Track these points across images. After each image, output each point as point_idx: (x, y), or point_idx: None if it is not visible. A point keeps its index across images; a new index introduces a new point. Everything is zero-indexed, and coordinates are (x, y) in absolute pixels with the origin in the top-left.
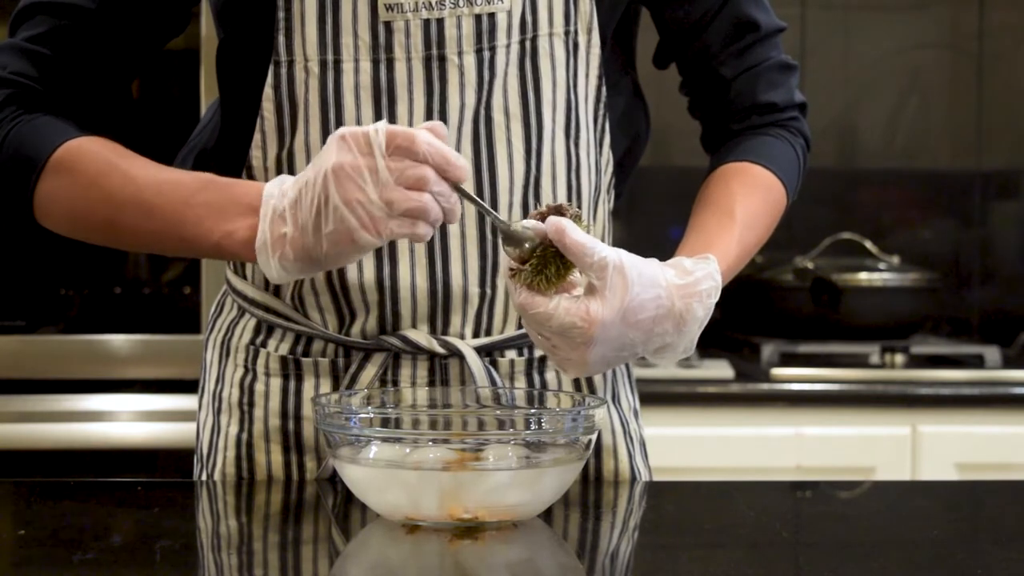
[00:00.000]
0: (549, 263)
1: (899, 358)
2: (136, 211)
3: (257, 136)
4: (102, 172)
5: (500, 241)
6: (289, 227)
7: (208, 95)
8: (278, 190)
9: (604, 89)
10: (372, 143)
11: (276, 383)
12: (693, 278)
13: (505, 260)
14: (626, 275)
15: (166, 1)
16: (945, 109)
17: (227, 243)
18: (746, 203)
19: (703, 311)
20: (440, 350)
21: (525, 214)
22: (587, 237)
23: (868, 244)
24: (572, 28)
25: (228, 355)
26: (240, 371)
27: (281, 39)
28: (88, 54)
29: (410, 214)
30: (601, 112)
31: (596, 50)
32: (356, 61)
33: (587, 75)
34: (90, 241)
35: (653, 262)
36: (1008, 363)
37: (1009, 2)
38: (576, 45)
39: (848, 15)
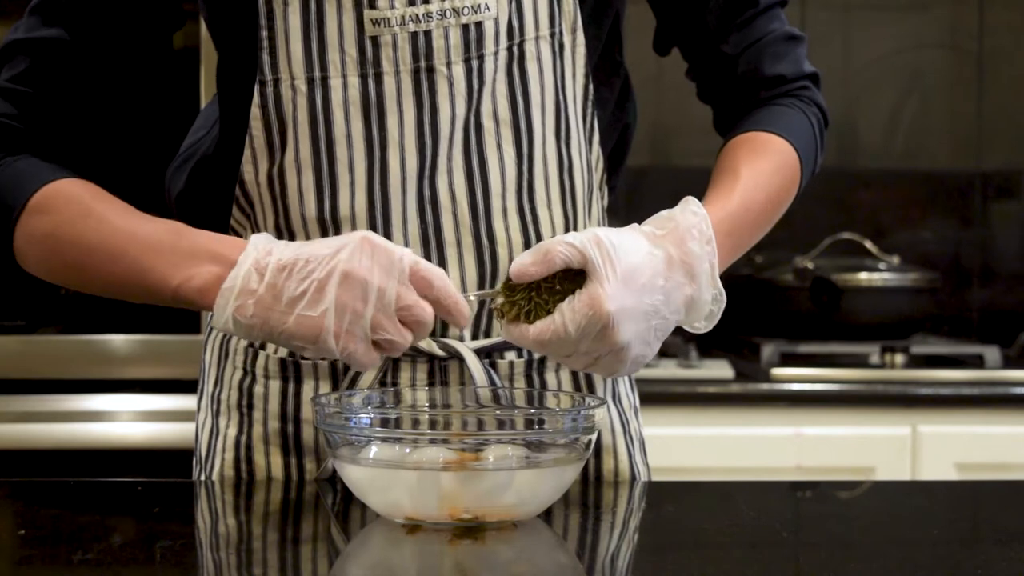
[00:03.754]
0: (529, 299)
1: (899, 358)
2: (105, 256)
3: (247, 152)
4: (79, 215)
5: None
6: (263, 287)
7: (208, 95)
8: (264, 246)
9: (591, 87)
10: (394, 266)
11: (275, 385)
12: (673, 222)
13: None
14: (603, 241)
15: (144, 29)
16: (945, 109)
17: (184, 289)
18: (751, 163)
19: (700, 248)
20: (440, 352)
21: (521, 218)
22: (545, 244)
23: (868, 244)
24: (557, 29)
25: (227, 357)
26: (239, 373)
27: (265, 58)
28: (69, 87)
29: (384, 345)
30: (589, 110)
31: (582, 49)
32: (344, 77)
33: (574, 74)
34: (64, 285)
35: (630, 227)
36: (1008, 363)
37: (1009, 2)
38: (562, 46)
39: (848, 15)
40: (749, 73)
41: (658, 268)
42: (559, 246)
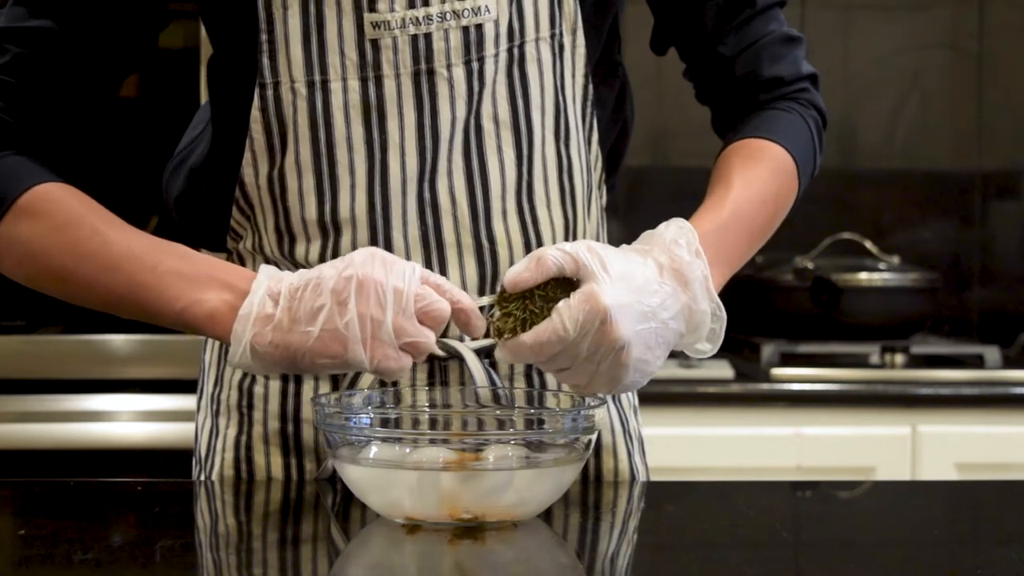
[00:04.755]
0: (523, 308)
1: (899, 358)
2: (98, 264)
3: (247, 155)
4: (70, 222)
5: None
6: (279, 311)
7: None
8: (275, 275)
9: (591, 87)
10: (406, 272)
11: (275, 385)
12: (658, 235)
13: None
14: (594, 247)
15: (129, 25)
16: (945, 109)
17: (190, 312)
18: (744, 172)
19: (689, 255)
20: (439, 352)
21: (521, 219)
22: (537, 252)
23: (868, 244)
24: (558, 31)
25: (227, 357)
26: (239, 373)
27: (265, 61)
28: (56, 80)
29: (409, 348)
30: (589, 110)
31: (581, 49)
32: (344, 80)
33: (573, 75)
34: (39, 290)
35: (617, 247)
36: (1008, 363)
37: (1009, 2)
38: (562, 47)
39: (848, 15)
40: (747, 76)
41: (650, 275)
42: (551, 251)
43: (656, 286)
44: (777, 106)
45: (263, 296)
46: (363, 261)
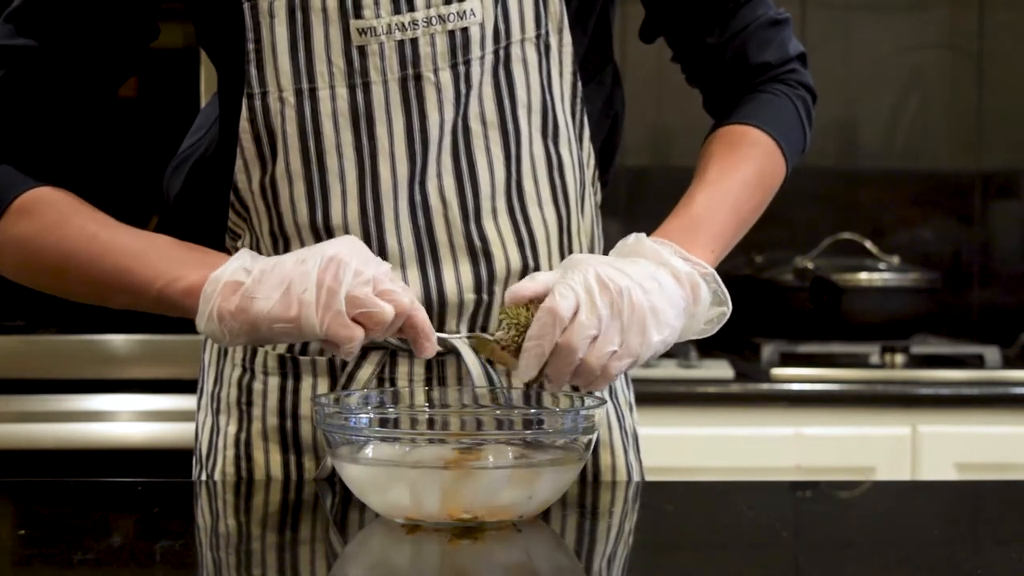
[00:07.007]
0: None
1: (899, 358)
2: (88, 254)
3: (239, 162)
4: (60, 220)
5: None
6: (250, 280)
7: (208, 95)
8: (254, 254)
9: (580, 85)
10: (373, 260)
11: (274, 382)
12: (616, 249)
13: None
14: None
15: (119, 42)
16: (945, 109)
17: (169, 289)
18: (721, 161)
19: (644, 242)
20: (437, 347)
21: (512, 218)
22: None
23: (868, 244)
24: (543, 31)
25: (226, 355)
26: (238, 370)
27: (253, 71)
28: (45, 95)
29: (363, 319)
30: (578, 108)
31: (568, 48)
32: (332, 88)
33: (561, 74)
34: (38, 288)
35: None
36: (1008, 363)
37: (1009, 2)
38: (548, 46)
39: (848, 15)
40: (735, 62)
41: (638, 262)
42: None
43: (643, 269)
44: (767, 90)
45: (237, 267)
46: (338, 244)
